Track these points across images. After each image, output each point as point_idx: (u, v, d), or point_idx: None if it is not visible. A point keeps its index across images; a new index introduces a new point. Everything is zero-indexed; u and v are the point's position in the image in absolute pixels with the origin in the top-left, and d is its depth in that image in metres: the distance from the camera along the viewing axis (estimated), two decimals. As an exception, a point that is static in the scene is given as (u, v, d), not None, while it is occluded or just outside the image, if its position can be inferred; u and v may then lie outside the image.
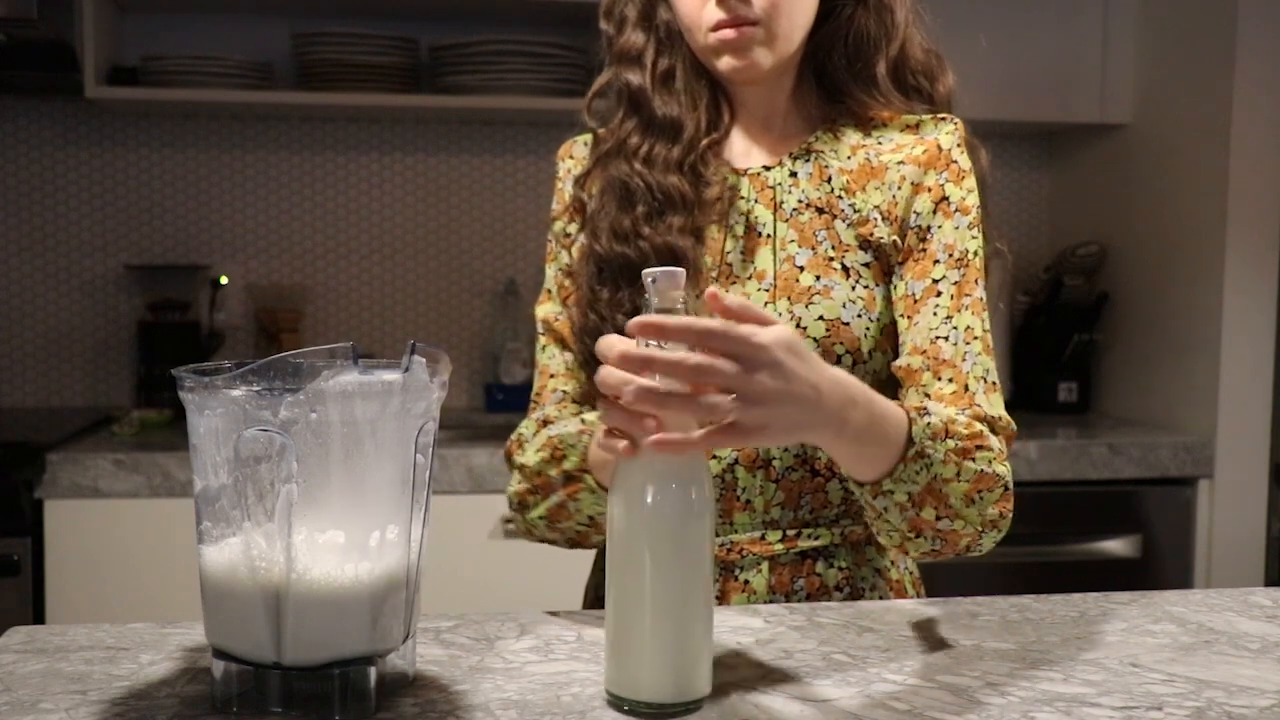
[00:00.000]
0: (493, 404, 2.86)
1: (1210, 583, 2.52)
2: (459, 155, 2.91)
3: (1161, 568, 2.53)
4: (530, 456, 1.16)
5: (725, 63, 1.16)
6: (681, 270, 0.85)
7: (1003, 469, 1.09)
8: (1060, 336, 2.88)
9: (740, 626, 1.05)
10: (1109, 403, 2.92)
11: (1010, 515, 1.11)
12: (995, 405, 1.13)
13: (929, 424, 1.03)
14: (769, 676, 0.92)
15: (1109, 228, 2.90)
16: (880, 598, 1.21)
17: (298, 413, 0.79)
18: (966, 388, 1.12)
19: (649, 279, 0.85)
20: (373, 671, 0.83)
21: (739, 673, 0.93)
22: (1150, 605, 1.14)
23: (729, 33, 1.14)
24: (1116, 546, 2.51)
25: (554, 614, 1.08)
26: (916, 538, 1.08)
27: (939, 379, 1.13)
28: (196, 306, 2.74)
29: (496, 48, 2.62)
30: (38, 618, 2.14)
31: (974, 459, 1.06)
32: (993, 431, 1.11)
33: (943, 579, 2.33)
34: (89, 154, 2.78)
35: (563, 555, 2.35)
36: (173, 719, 0.82)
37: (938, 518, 1.06)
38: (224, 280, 2.78)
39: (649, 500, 0.84)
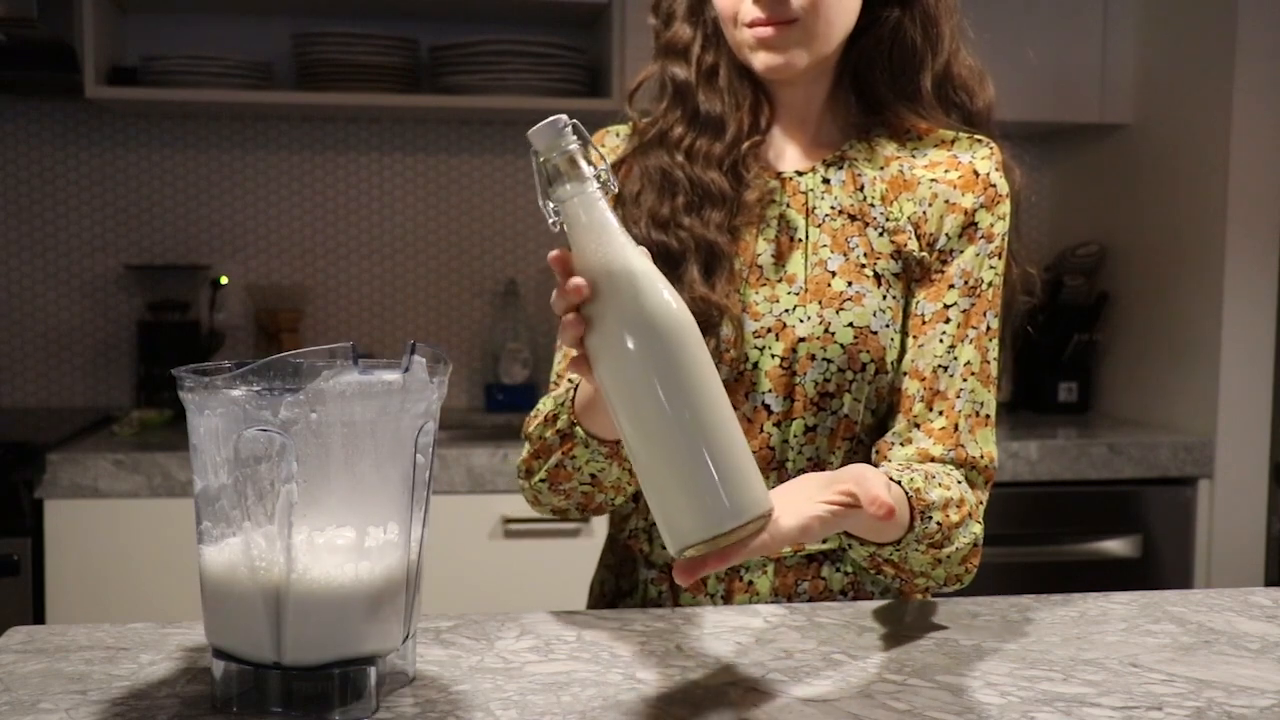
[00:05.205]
0: (493, 404, 2.86)
1: (1210, 583, 2.52)
2: (459, 155, 2.91)
3: (1161, 568, 2.53)
4: (533, 427, 1.17)
5: (760, 59, 1.15)
6: (562, 117, 0.83)
7: (975, 529, 1.12)
8: (1060, 336, 2.88)
9: (740, 626, 1.05)
10: (1109, 403, 2.92)
11: (976, 568, 1.15)
12: (982, 442, 1.16)
13: (924, 530, 1.06)
14: (769, 676, 0.92)
15: (1109, 228, 2.90)
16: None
17: (298, 413, 0.79)
18: (956, 426, 1.15)
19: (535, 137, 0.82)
20: (373, 671, 0.83)
21: (739, 672, 0.93)
22: (1150, 605, 1.14)
23: (765, 30, 1.13)
24: (1116, 546, 2.51)
25: (554, 614, 1.08)
26: (876, 574, 1.14)
27: (931, 410, 1.15)
28: (196, 306, 2.74)
29: (496, 48, 2.62)
30: (38, 618, 2.15)
31: (950, 541, 1.09)
32: (973, 470, 1.15)
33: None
34: (89, 154, 2.78)
35: (563, 555, 2.36)
36: (173, 719, 0.82)
37: (896, 577, 1.12)
38: (224, 280, 2.78)
39: (631, 346, 0.81)
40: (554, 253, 0.84)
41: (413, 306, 2.92)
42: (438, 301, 2.92)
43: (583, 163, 0.82)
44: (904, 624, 1.07)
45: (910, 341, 1.17)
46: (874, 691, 0.89)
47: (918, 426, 1.15)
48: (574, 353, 0.87)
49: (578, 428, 1.10)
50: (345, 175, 2.88)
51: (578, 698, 0.87)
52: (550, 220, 0.84)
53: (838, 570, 1.19)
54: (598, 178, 0.83)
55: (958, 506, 1.09)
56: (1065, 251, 2.89)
